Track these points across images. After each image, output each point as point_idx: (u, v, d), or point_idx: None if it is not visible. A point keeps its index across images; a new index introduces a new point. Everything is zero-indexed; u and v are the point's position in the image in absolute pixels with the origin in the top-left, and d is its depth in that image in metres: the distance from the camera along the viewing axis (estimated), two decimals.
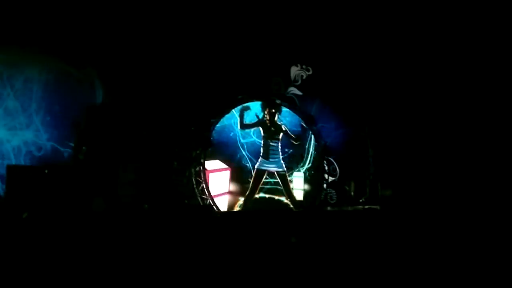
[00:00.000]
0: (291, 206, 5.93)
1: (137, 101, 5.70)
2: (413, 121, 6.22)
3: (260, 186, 5.94)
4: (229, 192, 5.89)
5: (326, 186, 6.13)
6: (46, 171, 4.70)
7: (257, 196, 5.92)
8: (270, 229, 4.84)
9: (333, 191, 6.13)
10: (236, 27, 6.04)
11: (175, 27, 5.88)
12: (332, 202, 6.05)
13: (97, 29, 5.54)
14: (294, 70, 6.46)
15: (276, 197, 6.00)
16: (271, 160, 5.83)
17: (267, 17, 6.07)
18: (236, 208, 5.83)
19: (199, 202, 5.59)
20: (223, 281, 3.63)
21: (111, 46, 5.61)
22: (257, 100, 6.13)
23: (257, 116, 5.89)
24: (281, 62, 6.37)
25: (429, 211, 5.36)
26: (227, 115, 5.95)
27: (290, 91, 6.42)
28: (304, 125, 6.23)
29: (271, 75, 6.33)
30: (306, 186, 6.14)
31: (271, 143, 5.84)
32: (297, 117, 6.23)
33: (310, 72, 6.48)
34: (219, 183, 5.85)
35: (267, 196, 6.01)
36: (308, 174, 6.17)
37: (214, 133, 5.89)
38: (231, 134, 6.04)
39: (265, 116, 5.86)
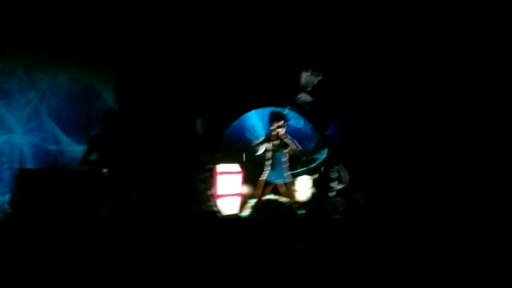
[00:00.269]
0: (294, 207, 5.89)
1: (147, 106, 5.76)
2: (427, 127, 6.14)
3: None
4: (239, 195, 5.90)
5: (334, 194, 6.07)
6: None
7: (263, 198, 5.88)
8: (276, 236, 4.84)
9: (341, 199, 6.07)
10: (248, 33, 6.04)
11: (185, 32, 5.91)
12: (339, 210, 5.99)
13: (109, 32, 5.61)
14: (305, 76, 6.42)
15: (282, 199, 5.95)
16: (276, 171, 5.80)
17: (275, 21, 6.05)
18: (246, 211, 5.82)
19: (206, 208, 5.61)
20: (229, 286, 3.65)
21: (121, 49, 5.68)
22: (268, 106, 6.11)
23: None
24: (291, 67, 6.34)
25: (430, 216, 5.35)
26: (243, 118, 5.94)
27: (300, 97, 6.38)
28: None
29: (281, 80, 6.30)
30: (313, 189, 6.11)
31: (277, 157, 5.77)
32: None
33: (321, 78, 6.42)
34: (229, 186, 5.84)
35: (274, 197, 5.97)
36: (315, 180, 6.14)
37: (227, 137, 5.88)
38: (248, 135, 6.04)
39: (273, 130, 5.77)
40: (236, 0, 5.93)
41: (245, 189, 5.88)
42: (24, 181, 4.83)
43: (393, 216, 5.73)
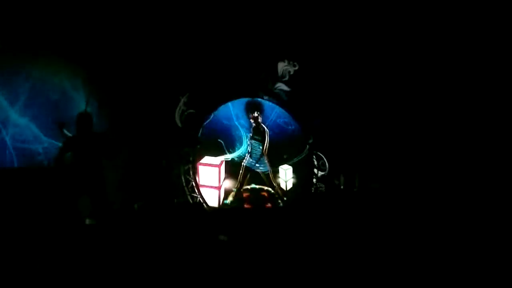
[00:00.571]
0: (277, 195, 6.08)
1: (126, 99, 5.65)
2: (400, 113, 6.27)
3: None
4: (218, 187, 5.98)
5: (316, 181, 6.16)
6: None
7: (248, 187, 6.15)
8: (261, 226, 4.84)
9: (323, 185, 6.17)
10: (222, 24, 6.02)
11: (161, 24, 5.83)
12: (322, 195, 6.09)
13: (86, 28, 5.47)
14: (281, 66, 6.46)
15: (265, 188, 6.23)
16: (255, 160, 6.06)
17: (253, 13, 6.05)
18: (229, 199, 5.97)
19: (189, 200, 5.57)
20: (216, 279, 3.62)
21: (99, 44, 5.55)
22: (244, 97, 6.13)
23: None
24: (268, 57, 6.36)
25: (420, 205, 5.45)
26: (222, 108, 6.02)
27: (278, 86, 6.42)
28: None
29: (257, 71, 6.32)
30: (293, 178, 6.27)
31: (254, 144, 6.05)
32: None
33: (297, 68, 6.48)
34: (209, 177, 5.94)
35: (257, 186, 6.23)
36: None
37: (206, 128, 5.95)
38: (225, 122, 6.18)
39: (250, 119, 6.05)
40: None
41: (226, 181, 5.91)
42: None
43: (375, 202, 5.86)
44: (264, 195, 6.13)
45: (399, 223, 4.63)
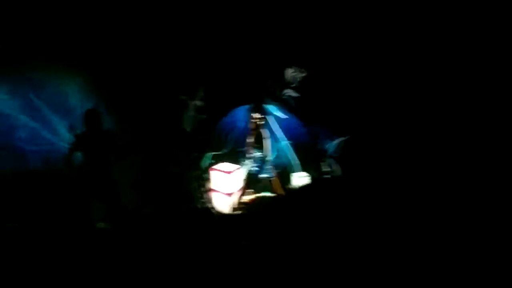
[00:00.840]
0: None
1: (137, 104, 5.65)
2: (409, 123, 6.28)
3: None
4: (230, 194, 5.84)
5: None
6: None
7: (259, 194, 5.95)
8: (270, 232, 4.82)
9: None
10: (231, 30, 6.06)
11: (172, 30, 5.87)
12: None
13: (96, 30, 5.49)
14: (289, 72, 6.48)
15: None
16: (261, 168, 5.96)
17: (261, 19, 6.10)
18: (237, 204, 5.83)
19: (199, 206, 5.54)
20: (224, 283, 3.61)
21: (110, 47, 5.56)
22: (253, 103, 6.14)
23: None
24: (276, 64, 6.39)
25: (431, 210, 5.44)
26: (231, 113, 5.99)
27: (286, 93, 6.43)
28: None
29: (265, 77, 6.34)
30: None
31: (258, 151, 5.95)
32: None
33: (306, 74, 6.50)
34: (220, 183, 5.83)
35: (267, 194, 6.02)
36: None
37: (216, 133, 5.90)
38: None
39: (252, 126, 5.94)
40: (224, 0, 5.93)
41: (237, 188, 5.85)
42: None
43: (384, 210, 5.84)
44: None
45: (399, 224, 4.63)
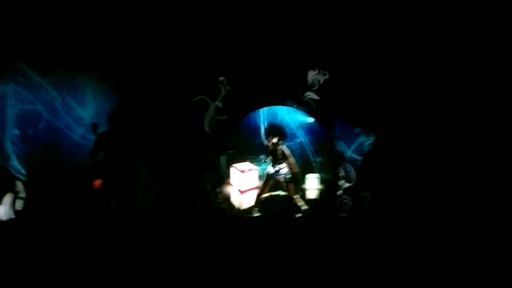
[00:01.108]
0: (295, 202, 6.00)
1: (156, 105, 5.81)
2: (432, 127, 6.09)
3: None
4: (258, 187, 6.06)
5: (342, 193, 6.07)
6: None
7: (273, 193, 6.06)
8: (283, 234, 4.85)
9: (348, 198, 6.08)
10: (254, 32, 6.07)
11: (194, 31, 5.95)
12: (346, 208, 5.99)
13: (113, 32, 5.67)
14: (312, 75, 6.43)
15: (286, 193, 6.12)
16: (278, 171, 5.97)
17: (283, 21, 6.07)
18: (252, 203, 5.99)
19: (214, 206, 5.66)
20: (235, 283, 3.66)
21: (129, 50, 5.73)
22: (274, 104, 6.16)
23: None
24: (298, 66, 6.36)
25: (444, 218, 5.28)
26: (252, 116, 6.09)
27: (307, 95, 6.40)
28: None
29: (288, 79, 6.32)
30: (320, 187, 6.21)
31: (277, 166, 5.94)
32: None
33: (327, 77, 6.43)
34: (251, 181, 6.04)
35: (281, 193, 6.13)
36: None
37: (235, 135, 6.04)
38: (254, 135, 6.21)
39: (269, 145, 5.91)
40: (248, 2, 5.95)
41: (249, 187, 6.04)
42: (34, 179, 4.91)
43: (400, 216, 5.72)
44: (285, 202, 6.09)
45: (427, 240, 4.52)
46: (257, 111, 6.21)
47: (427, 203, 5.77)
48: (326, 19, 6.12)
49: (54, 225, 4.45)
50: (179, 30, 5.91)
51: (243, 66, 6.09)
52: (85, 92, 5.70)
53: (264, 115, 6.29)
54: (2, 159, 5.31)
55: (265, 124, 6.23)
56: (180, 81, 5.92)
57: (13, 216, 4.98)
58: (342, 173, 6.09)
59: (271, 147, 5.91)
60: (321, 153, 6.29)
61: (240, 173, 5.99)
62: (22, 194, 5.09)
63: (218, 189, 5.73)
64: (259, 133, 6.24)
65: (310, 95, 6.39)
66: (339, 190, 6.06)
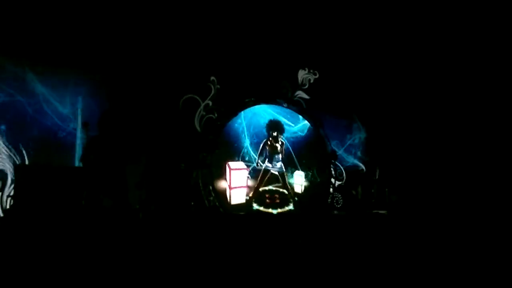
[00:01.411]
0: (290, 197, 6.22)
1: (145, 104, 5.74)
2: (420, 125, 6.21)
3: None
4: (247, 186, 6.17)
5: (333, 190, 6.13)
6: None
7: (266, 188, 6.26)
8: (275, 231, 4.86)
9: (340, 195, 6.14)
10: (245, 32, 6.08)
11: (183, 30, 5.92)
12: (338, 206, 6.05)
13: (103, 32, 5.59)
14: (302, 74, 6.49)
15: (280, 190, 6.33)
16: (274, 164, 6.23)
17: (275, 21, 6.11)
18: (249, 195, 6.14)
19: (205, 204, 5.62)
20: (227, 280, 3.64)
21: (117, 49, 5.65)
22: (264, 103, 6.19)
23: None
24: (288, 65, 6.40)
25: (436, 216, 5.35)
26: (235, 118, 6.08)
27: (297, 94, 6.45)
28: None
29: (278, 78, 6.36)
30: (305, 182, 6.36)
31: (275, 156, 6.22)
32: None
33: (317, 76, 6.50)
34: (240, 179, 6.14)
35: (273, 188, 6.33)
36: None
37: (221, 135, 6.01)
38: (239, 135, 6.22)
39: (271, 136, 6.21)
40: (239, 3, 5.97)
41: (240, 184, 6.09)
42: (23, 177, 4.76)
43: (390, 214, 5.80)
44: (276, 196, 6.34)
45: (417, 235, 4.59)
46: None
47: (416, 201, 5.87)
48: (316, 19, 6.21)
49: (43, 224, 4.32)
50: (170, 29, 5.86)
51: (234, 65, 6.09)
52: (75, 91, 5.58)
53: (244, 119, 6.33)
54: None
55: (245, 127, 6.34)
56: (170, 80, 5.87)
57: (1, 215, 4.84)
58: (333, 172, 6.15)
59: (271, 141, 6.17)
60: (308, 152, 6.38)
61: (230, 170, 6.04)
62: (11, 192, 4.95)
63: (210, 187, 5.69)
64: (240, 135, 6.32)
65: (300, 94, 6.45)
66: (330, 188, 6.11)
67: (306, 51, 6.41)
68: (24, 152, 5.28)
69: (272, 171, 6.21)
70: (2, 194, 5.00)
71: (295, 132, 6.51)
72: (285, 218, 5.82)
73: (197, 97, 6.06)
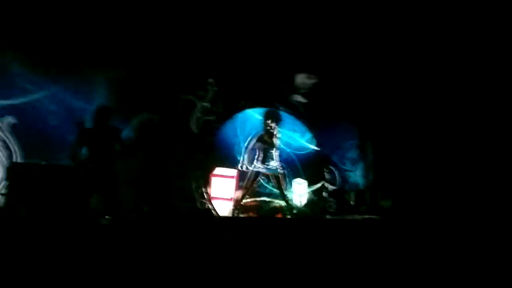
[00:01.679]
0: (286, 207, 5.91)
1: (140, 104, 5.76)
2: (414, 128, 6.21)
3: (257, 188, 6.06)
4: (231, 199, 5.87)
5: (327, 195, 6.12)
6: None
7: (258, 199, 6.04)
8: (268, 236, 4.85)
9: (333, 200, 6.12)
10: (242, 34, 6.08)
11: (180, 32, 5.93)
12: (331, 211, 6.04)
13: (102, 33, 5.61)
14: (300, 78, 6.48)
15: (276, 201, 6.11)
16: (266, 164, 5.78)
17: (272, 24, 6.11)
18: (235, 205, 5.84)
19: (199, 206, 5.62)
20: (221, 285, 3.65)
21: (116, 50, 5.66)
22: (260, 106, 6.18)
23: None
24: (286, 69, 6.40)
25: (429, 220, 5.35)
26: (229, 120, 6.04)
27: (295, 98, 6.44)
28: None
29: (275, 82, 6.35)
30: (308, 193, 6.16)
31: (269, 151, 5.76)
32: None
33: (316, 80, 6.50)
34: (223, 189, 5.86)
35: (267, 199, 6.15)
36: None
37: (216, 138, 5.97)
38: (233, 139, 6.15)
39: (268, 126, 5.76)
40: (235, 4, 5.96)
41: (237, 193, 5.89)
42: (17, 175, 4.78)
43: (383, 219, 5.80)
44: (276, 207, 6.02)
45: (410, 240, 4.59)
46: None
47: (409, 206, 5.87)
48: (315, 22, 6.20)
49: (34, 222, 4.33)
50: (169, 30, 5.88)
51: (232, 66, 6.08)
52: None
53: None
54: None
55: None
56: (168, 81, 5.88)
57: None
58: (327, 176, 6.14)
59: (268, 130, 5.73)
60: (305, 158, 6.32)
61: (230, 179, 5.87)
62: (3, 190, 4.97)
63: (203, 189, 5.69)
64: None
65: (298, 98, 6.44)
66: (325, 192, 6.11)
67: (305, 55, 6.40)
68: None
69: (263, 172, 5.74)
70: None
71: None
72: (278, 221, 5.80)
73: (194, 98, 6.07)
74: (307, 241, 4.77)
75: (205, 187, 5.72)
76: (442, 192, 5.82)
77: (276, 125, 5.78)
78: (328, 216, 5.92)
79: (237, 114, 6.07)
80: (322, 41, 6.29)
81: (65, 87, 5.61)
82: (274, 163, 5.79)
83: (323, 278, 3.81)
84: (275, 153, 5.79)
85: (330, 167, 6.19)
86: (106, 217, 4.74)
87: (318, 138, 6.24)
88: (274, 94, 6.30)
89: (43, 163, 5.11)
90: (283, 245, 4.64)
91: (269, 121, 5.75)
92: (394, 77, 6.29)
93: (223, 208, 5.79)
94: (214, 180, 5.81)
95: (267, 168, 5.76)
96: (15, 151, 5.37)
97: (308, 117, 6.34)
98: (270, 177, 5.93)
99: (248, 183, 5.80)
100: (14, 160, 5.30)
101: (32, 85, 5.53)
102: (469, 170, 5.86)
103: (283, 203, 5.94)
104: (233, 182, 5.87)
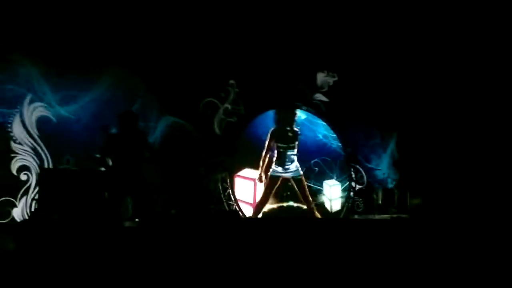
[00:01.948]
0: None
1: (164, 108, 5.81)
2: (442, 127, 6.09)
3: (278, 193, 5.60)
4: (253, 203, 5.73)
5: (353, 194, 6.04)
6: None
7: (284, 204, 5.68)
8: (295, 236, 4.81)
9: (360, 199, 6.04)
10: (263, 34, 6.08)
11: (204, 34, 5.96)
12: (359, 210, 5.95)
13: (123, 35, 5.67)
14: (321, 77, 6.44)
15: (305, 207, 5.52)
16: (286, 167, 5.26)
17: (293, 23, 6.10)
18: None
19: (225, 208, 5.63)
20: (246, 283, 3.62)
21: (137, 53, 5.71)
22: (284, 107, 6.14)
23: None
24: (307, 68, 6.37)
25: (458, 221, 5.22)
26: (259, 120, 5.97)
27: (317, 97, 6.40)
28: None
29: (297, 81, 6.33)
30: (343, 196, 6.00)
31: (288, 152, 5.23)
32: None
33: (336, 78, 6.44)
34: (243, 191, 5.83)
35: (295, 205, 5.77)
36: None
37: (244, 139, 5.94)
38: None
39: (281, 123, 5.35)
40: (256, 5, 5.97)
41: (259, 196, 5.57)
42: (47, 180, 4.87)
43: (418, 219, 5.69)
44: (304, 212, 5.48)
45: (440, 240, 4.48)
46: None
47: (438, 206, 5.74)
48: (335, 21, 6.17)
49: (65, 226, 4.39)
50: (189, 32, 5.91)
51: (253, 67, 6.08)
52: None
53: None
54: None
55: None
56: (190, 84, 5.91)
57: (26, 217, 4.96)
58: (353, 175, 6.07)
59: (281, 132, 5.26)
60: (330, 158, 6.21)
61: (251, 181, 5.78)
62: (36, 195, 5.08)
63: (229, 191, 5.70)
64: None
65: (319, 97, 6.40)
66: (352, 192, 6.04)
67: (325, 53, 6.36)
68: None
69: (283, 176, 5.22)
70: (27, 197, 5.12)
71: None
72: (307, 222, 5.73)
73: (216, 101, 6.09)
74: (335, 242, 4.71)
75: (232, 189, 5.72)
76: (473, 190, 5.69)
77: (293, 119, 5.37)
78: (356, 216, 5.85)
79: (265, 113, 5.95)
80: (343, 38, 6.24)
81: (93, 94, 5.66)
82: (293, 165, 5.26)
83: (353, 279, 3.75)
84: (294, 152, 5.29)
85: (357, 166, 6.11)
86: (136, 220, 4.76)
87: (342, 137, 6.18)
88: (296, 94, 6.28)
89: (74, 168, 5.19)
90: (311, 246, 4.59)
91: (281, 116, 5.37)
92: (419, 72, 6.19)
93: (246, 212, 5.73)
94: (236, 181, 5.80)
95: (287, 172, 5.24)
96: (46, 157, 5.48)
97: (331, 116, 6.29)
98: (292, 181, 5.35)
99: (267, 189, 5.26)
100: (45, 166, 5.40)
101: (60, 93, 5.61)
102: (501, 166, 5.71)
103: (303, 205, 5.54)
104: (251, 185, 5.72)
